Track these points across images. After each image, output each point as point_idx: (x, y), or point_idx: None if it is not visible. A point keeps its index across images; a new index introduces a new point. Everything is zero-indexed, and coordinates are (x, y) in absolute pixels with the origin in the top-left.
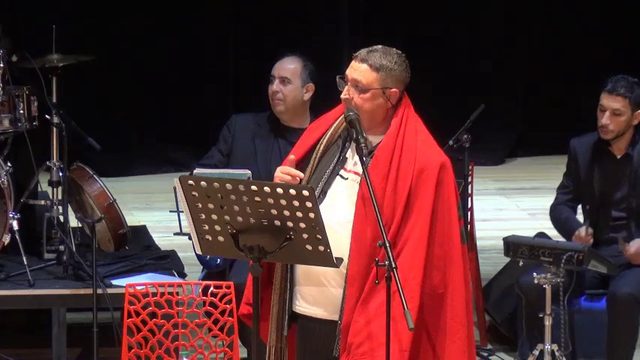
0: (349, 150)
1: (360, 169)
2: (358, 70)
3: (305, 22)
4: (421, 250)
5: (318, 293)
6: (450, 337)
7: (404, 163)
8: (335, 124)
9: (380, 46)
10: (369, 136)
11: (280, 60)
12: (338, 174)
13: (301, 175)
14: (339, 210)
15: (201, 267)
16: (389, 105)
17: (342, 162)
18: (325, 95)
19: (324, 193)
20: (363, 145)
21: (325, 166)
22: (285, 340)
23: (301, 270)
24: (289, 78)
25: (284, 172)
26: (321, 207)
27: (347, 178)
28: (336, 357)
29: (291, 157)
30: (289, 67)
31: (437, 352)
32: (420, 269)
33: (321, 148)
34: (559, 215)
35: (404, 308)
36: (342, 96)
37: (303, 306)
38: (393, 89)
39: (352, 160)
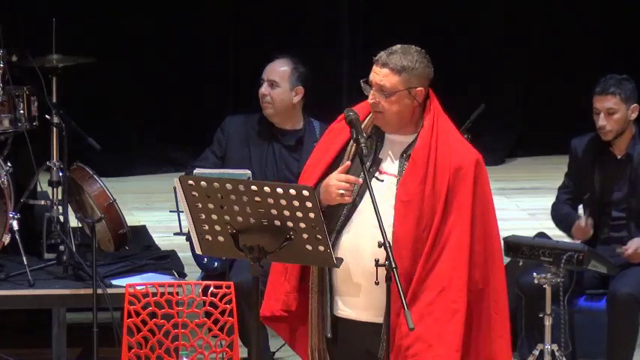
0: (382, 151)
1: (395, 171)
2: (380, 74)
3: (305, 22)
4: (464, 248)
5: (358, 296)
6: (497, 332)
7: (440, 163)
8: (363, 124)
9: (399, 47)
10: (400, 136)
11: (270, 63)
12: (374, 176)
13: (359, 180)
14: (368, 209)
15: None
16: (415, 104)
17: (376, 163)
18: (325, 95)
19: (360, 196)
20: (363, 145)
21: (358, 167)
22: (326, 342)
23: (339, 272)
24: (277, 81)
25: (341, 180)
26: (359, 210)
27: (382, 180)
28: (380, 358)
29: (347, 162)
30: (278, 70)
31: (485, 348)
32: (465, 267)
33: (353, 150)
34: (559, 211)
35: (404, 308)
36: (369, 100)
37: (342, 309)
38: (418, 88)
39: (386, 161)
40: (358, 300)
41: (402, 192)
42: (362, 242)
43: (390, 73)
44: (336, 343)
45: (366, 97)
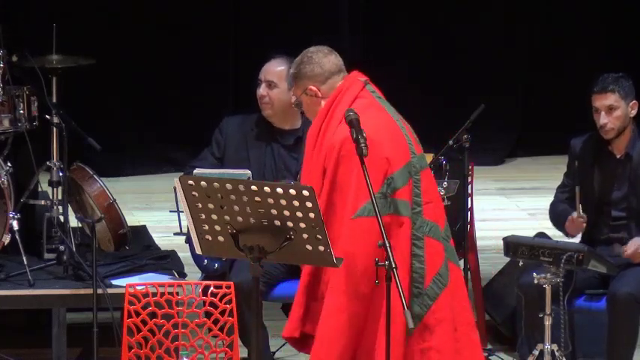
0: None
1: None
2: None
3: (305, 22)
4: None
5: None
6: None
7: (322, 142)
8: None
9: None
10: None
11: (267, 63)
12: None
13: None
14: None
15: None
16: (320, 96)
17: None
18: None
19: None
20: (363, 145)
21: None
22: None
23: None
24: (275, 82)
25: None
26: None
27: None
28: None
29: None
30: (275, 70)
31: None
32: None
33: None
34: (555, 210)
35: (403, 308)
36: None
37: None
38: (310, 86)
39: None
40: None
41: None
42: None
43: (290, 89)
44: None
45: None
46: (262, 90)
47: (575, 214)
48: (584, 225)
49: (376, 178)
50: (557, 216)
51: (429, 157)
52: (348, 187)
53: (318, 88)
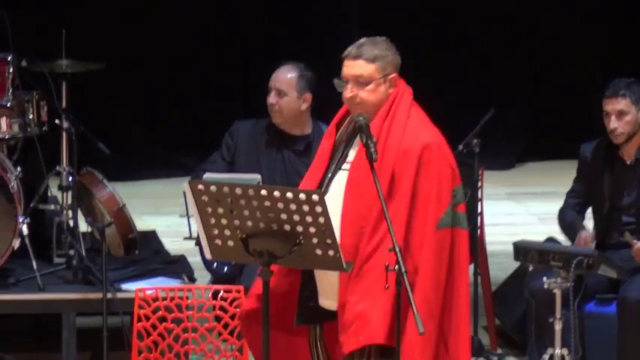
0: (352, 146)
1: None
2: (356, 66)
3: (315, 25)
4: (400, 233)
5: (326, 285)
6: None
7: (389, 145)
8: (343, 125)
9: (364, 39)
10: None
11: (277, 70)
12: (340, 168)
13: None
14: (333, 197)
15: None
16: (390, 91)
17: (344, 157)
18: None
19: (327, 187)
20: (373, 150)
21: (332, 163)
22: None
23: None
24: (284, 90)
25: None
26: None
27: (345, 169)
28: None
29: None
30: (284, 78)
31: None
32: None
33: (333, 149)
34: (565, 218)
35: (414, 313)
36: (347, 95)
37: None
38: (392, 74)
39: (353, 152)
40: (326, 289)
41: (351, 172)
42: None
43: (365, 63)
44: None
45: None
46: (272, 98)
47: (582, 236)
48: (593, 245)
49: (447, 188)
50: (567, 225)
51: None
52: (429, 195)
53: (396, 78)
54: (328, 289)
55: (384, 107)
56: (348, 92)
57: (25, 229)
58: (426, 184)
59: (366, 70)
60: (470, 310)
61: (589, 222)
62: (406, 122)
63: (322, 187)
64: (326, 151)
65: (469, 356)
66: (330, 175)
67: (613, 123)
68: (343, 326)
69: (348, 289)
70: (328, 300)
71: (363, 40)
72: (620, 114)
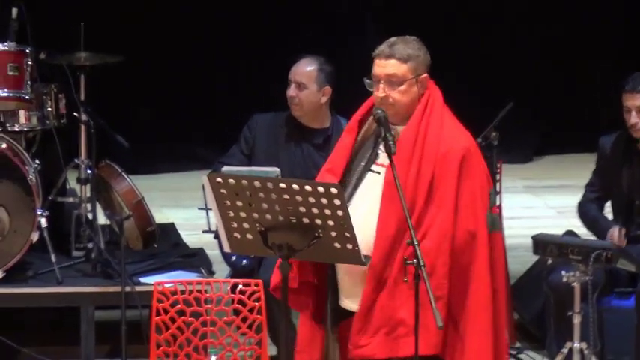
0: (382, 146)
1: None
2: (388, 65)
3: (334, 15)
4: (447, 236)
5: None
6: (473, 320)
7: (427, 149)
8: (368, 122)
9: (395, 38)
10: (400, 127)
11: (296, 63)
12: (369, 169)
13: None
14: (369, 203)
15: None
16: (422, 91)
17: (374, 157)
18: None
19: (355, 187)
20: (391, 143)
21: (359, 162)
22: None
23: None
24: (304, 82)
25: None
26: (353, 201)
27: (379, 173)
28: None
29: None
30: (304, 70)
31: (460, 335)
32: (447, 254)
33: (357, 146)
34: (587, 213)
35: (432, 306)
36: (379, 94)
37: (343, 300)
38: (424, 75)
39: (384, 154)
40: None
41: (388, 175)
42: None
43: (398, 62)
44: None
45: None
46: (292, 91)
47: (616, 234)
48: (625, 242)
49: (486, 192)
50: (591, 223)
51: None
52: (474, 198)
53: (427, 78)
54: (350, 288)
55: (419, 109)
56: (380, 92)
57: (43, 222)
58: (469, 187)
59: (399, 69)
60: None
61: (608, 216)
62: (442, 125)
63: (347, 186)
64: (347, 147)
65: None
66: (357, 175)
67: (633, 118)
68: (375, 328)
69: (386, 292)
70: (350, 299)
71: (394, 39)
72: None
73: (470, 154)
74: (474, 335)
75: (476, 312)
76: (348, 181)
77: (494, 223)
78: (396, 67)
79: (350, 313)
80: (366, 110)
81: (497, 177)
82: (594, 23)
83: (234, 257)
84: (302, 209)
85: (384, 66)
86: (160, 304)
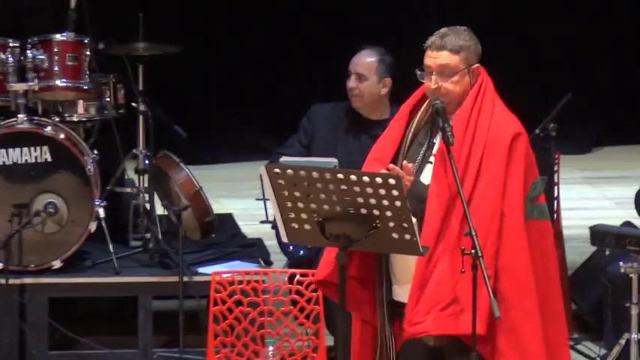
0: (437, 136)
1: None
2: (440, 57)
3: (396, 7)
4: (496, 215)
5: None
6: (516, 306)
7: (478, 132)
8: (420, 112)
9: (446, 29)
10: (451, 115)
11: (357, 54)
12: (428, 161)
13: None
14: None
15: None
16: (474, 81)
17: (430, 148)
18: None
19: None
20: (449, 133)
21: (415, 153)
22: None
23: (395, 257)
24: (365, 74)
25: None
26: None
27: (431, 162)
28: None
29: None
30: (365, 62)
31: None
32: (496, 234)
33: (410, 136)
34: None
35: (490, 297)
36: (432, 86)
37: (397, 293)
38: (475, 65)
39: (437, 145)
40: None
41: (439, 156)
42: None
43: (449, 54)
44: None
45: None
46: (352, 82)
47: None
48: None
49: (530, 179)
50: None
51: None
52: (518, 183)
53: (479, 68)
54: (404, 277)
55: (471, 95)
56: (432, 83)
57: (101, 213)
58: (516, 171)
59: (452, 60)
60: (563, 302)
61: None
62: (492, 110)
63: None
64: (396, 136)
65: (568, 349)
66: (417, 166)
67: None
68: (430, 306)
69: (438, 271)
70: (402, 290)
71: (444, 29)
72: None
73: (519, 139)
74: (518, 314)
75: (519, 293)
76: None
77: (541, 212)
78: (448, 58)
79: (403, 306)
80: (417, 100)
81: (556, 168)
82: None
83: (291, 248)
84: (360, 200)
85: (435, 57)
86: (218, 295)
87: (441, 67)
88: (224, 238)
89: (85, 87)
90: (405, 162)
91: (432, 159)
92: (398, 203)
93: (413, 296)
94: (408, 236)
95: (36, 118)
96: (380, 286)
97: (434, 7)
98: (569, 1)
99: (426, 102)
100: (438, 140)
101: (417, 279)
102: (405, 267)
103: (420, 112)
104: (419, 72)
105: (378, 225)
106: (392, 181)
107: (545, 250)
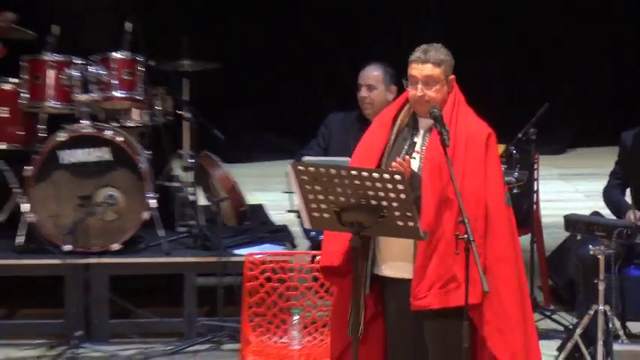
0: (416, 137)
1: (423, 150)
2: (425, 69)
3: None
4: (481, 201)
5: (397, 258)
6: (497, 276)
7: (459, 131)
8: (402, 115)
9: (426, 45)
10: (429, 119)
11: (364, 69)
12: (411, 157)
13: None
14: None
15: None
16: (449, 89)
17: (412, 146)
18: None
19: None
20: (446, 137)
21: (398, 150)
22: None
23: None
24: (374, 85)
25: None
26: None
27: (414, 158)
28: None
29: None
30: (373, 74)
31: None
32: (483, 218)
33: (393, 137)
34: (611, 197)
35: (480, 275)
36: (417, 94)
37: (385, 270)
38: (452, 76)
39: (419, 143)
40: (398, 262)
41: (427, 153)
42: None
43: (433, 66)
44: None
45: None
46: (363, 92)
47: (631, 217)
48: None
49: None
50: (614, 204)
51: (502, 148)
52: (497, 175)
53: (454, 79)
54: (397, 258)
55: (450, 101)
56: (418, 91)
57: (153, 203)
58: (493, 164)
59: (434, 72)
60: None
61: (627, 199)
62: (467, 113)
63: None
64: (383, 135)
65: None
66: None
67: None
68: (431, 283)
69: (437, 253)
70: (392, 269)
71: (424, 46)
72: None
73: (491, 137)
74: (501, 283)
75: (503, 265)
76: (388, 165)
77: (509, 199)
78: (431, 69)
79: (385, 280)
80: (399, 106)
81: (535, 166)
82: (626, 20)
83: (313, 233)
84: (370, 192)
85: (421, 69)
86: (251, 272)
87: (426, 77)
88: (256, 224)
89: (139, 97)
90: (406, 156)
91: (414, 155)
92: (403, 196)
93: (416, 275)
94: (411, 223)
95: (97, 123)
96: (366, 262)
97: (434, 7)
98: (569, 1)
99: (406, 107)
100: (418, 139)
101: (420, 260)
102: (388, 247)
103: (401, 116)
104: (405, 81)
105: (386, 214)
106: (398, 177)
107: (513, 230)
